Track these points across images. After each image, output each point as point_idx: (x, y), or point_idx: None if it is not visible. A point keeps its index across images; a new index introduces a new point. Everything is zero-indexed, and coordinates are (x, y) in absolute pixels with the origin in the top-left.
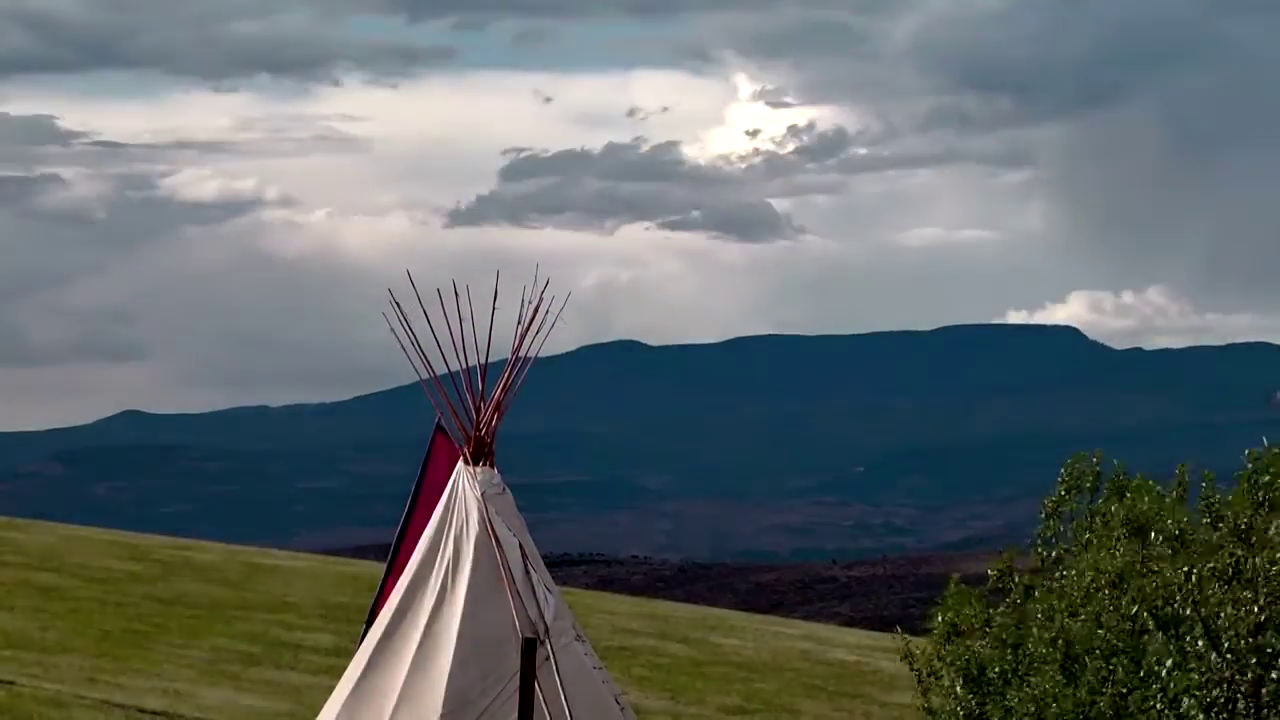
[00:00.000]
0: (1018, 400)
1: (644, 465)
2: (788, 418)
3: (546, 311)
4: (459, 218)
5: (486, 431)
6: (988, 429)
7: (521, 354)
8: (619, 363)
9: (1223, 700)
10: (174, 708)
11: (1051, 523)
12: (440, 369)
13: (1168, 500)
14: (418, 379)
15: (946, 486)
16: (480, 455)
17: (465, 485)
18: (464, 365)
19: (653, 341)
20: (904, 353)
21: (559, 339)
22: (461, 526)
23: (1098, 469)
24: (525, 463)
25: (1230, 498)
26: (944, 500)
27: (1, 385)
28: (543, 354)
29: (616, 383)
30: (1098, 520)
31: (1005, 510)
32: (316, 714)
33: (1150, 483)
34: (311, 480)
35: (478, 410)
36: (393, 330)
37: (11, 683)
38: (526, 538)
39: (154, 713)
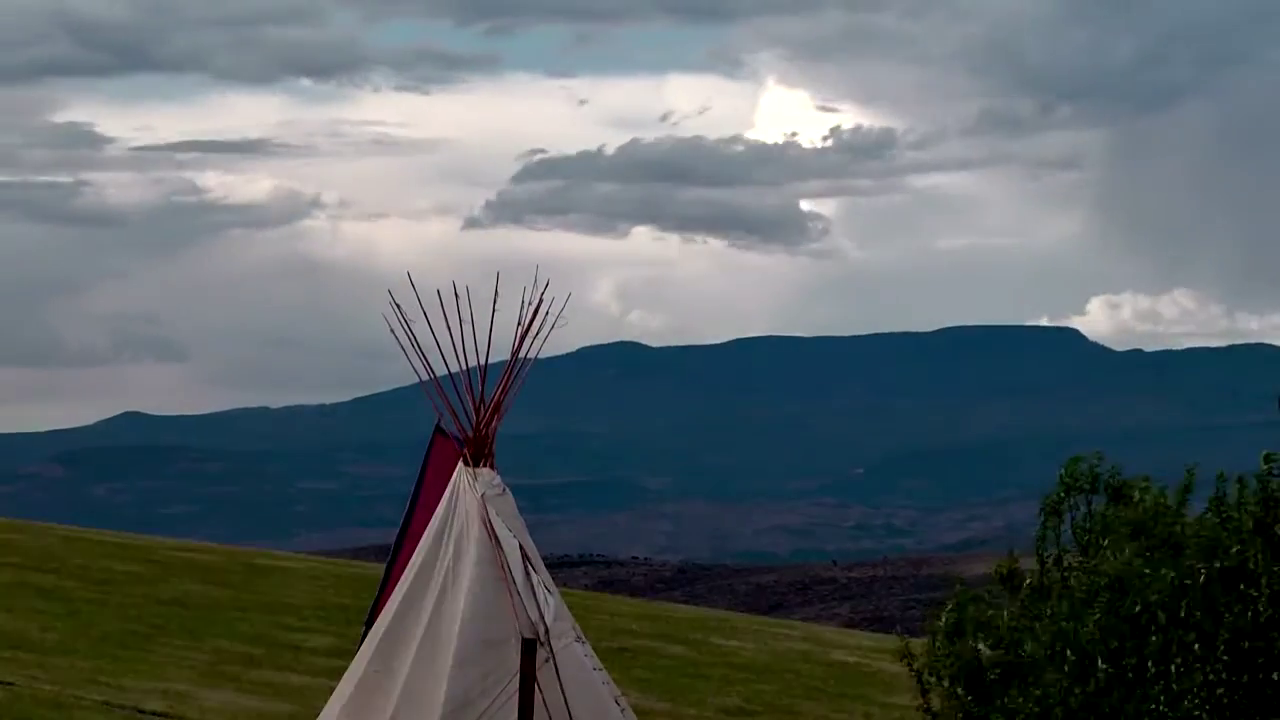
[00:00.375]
0: (1018, 402)
1: (644, 466)
2: (788, 419)
3: (546, 313)
4: (481, 221)
5: (486, 432)
6: (988, 430)
7: (521, 355)
8: (619, 364)
9: (1226, 701)
10: (174, 709)
11: (1051, 522)
12: (440, 370)
13: (1169, 504)
14: (418, 380)
15: (946, 488)
16: (480, 456)
17: (465, 486)
18: (464, 366)
19: (653, 343)
20: (904, 354)
21: (559, 340)
22: (462, 528)
23: (1096, 470)
24: (525, 464)
25: (1242, 497)
26: (944, 502)
27: (13, 386)
28: (543, 355)
29: (616, 384)
30: (1097, 521)
31: (1005, 512)
32: (317, 715)
33: (1153, 485)
34: (312, 481)
35: (477, 411)
36: (393, 332)
37: (11, 684)
38: (527, 538)
39: (154, 714)
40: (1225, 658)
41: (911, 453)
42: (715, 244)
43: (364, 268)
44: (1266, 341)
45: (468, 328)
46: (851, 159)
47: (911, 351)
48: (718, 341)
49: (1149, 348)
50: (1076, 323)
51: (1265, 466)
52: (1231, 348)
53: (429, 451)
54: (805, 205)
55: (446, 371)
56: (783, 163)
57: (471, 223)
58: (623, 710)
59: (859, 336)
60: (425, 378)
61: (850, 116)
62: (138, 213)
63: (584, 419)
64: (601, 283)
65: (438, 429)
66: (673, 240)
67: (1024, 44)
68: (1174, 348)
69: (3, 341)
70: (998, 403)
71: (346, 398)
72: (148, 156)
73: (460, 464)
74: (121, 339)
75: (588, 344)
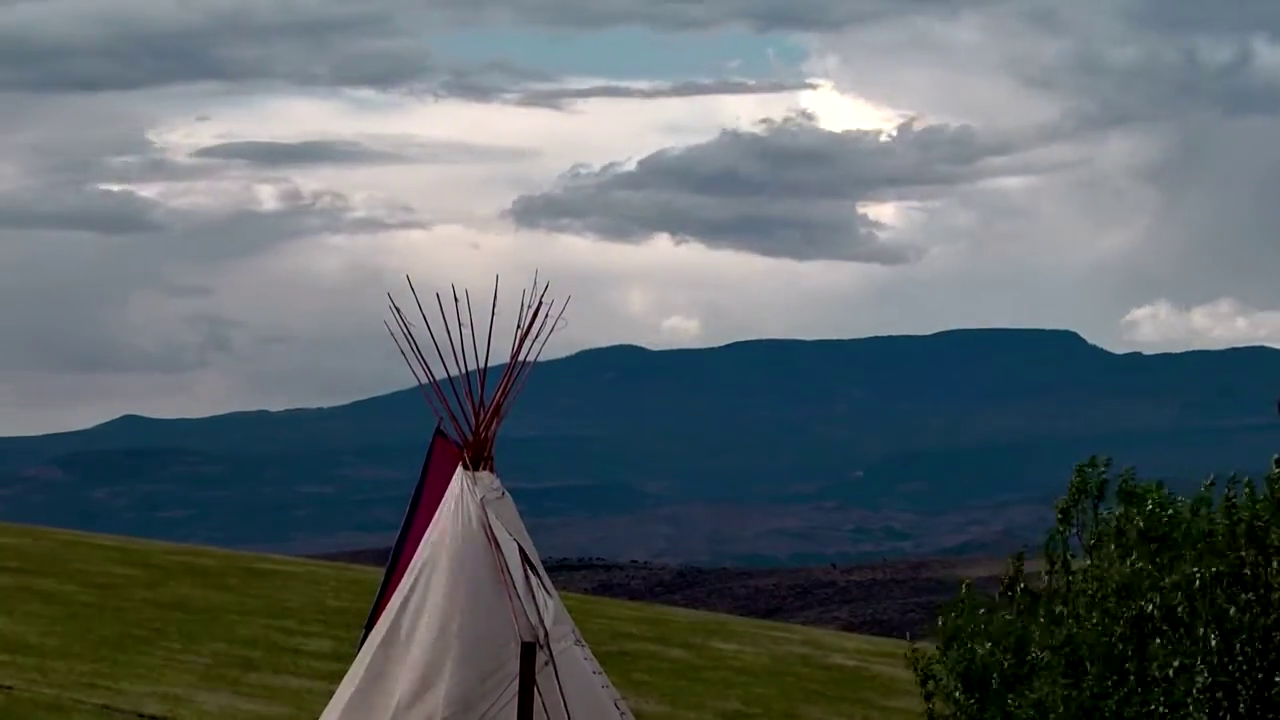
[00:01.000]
0: (1017, 405)
1: (643, 470)
2: (787, 422)
3: (545, 315)
4: (532, 227)
5: (486, 436)
6: (987, 434)
7: (521, 358)
8: (618, 367)
9: (1226, 704)
10: (173, 713)
11: (1061, 528)
12: (440, 374)
13: (1181, 509)
14: (417, 384)
15: (946, 491)
16: (480, 460)
17: (465, 490)
18: (463, 370)
19: (652, 346)
20: (904, 357)
21: (558, 343)
22: (461, 531)
23: (1104, 475)
24: (525, 467)
25: (1253, 499)
26: (943, 505)
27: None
28: (542, 358)
29: (616, 387)
30: (1106, 527)
31: (1004, 515)
32: (316, 719)
33: (1165, 491)
34: (311, 485)
35: (477, 415)
36: (393, 335)
37: (10, 688)
38: (526, 542)
39: (153, 717)
40: (1239, 658)
41: (911, 456)
42: (763, 248)
43: (413, 275)
44: (1264, 344)
45: (467, 331)
46: (914, 164)
47: (910, 355)
48: (717, 345)
49: (1149, 351)
50: (1121, 331)
51: (1276, 470)
52: (1230, 350)
53: (429, 455)
54: (861, 210)
55: (446, 375)
56: (838, 168)
57: (518, 229)
58: (622, 714)
59: (858, 340)
60: (425, 381)
61: (916, 121)
62: (194, 220)
63: (584, 422)
64: (635, 289)
65: (437, 432)
66: (718, 246)
67: (1099, 48)
68: (1173, 351)
69: (59, 346)
70: (997, 406)
71: (345, 401)
72: (206, 165)
73: (460, 467)
74: (174, 344)
75: (588, 347)
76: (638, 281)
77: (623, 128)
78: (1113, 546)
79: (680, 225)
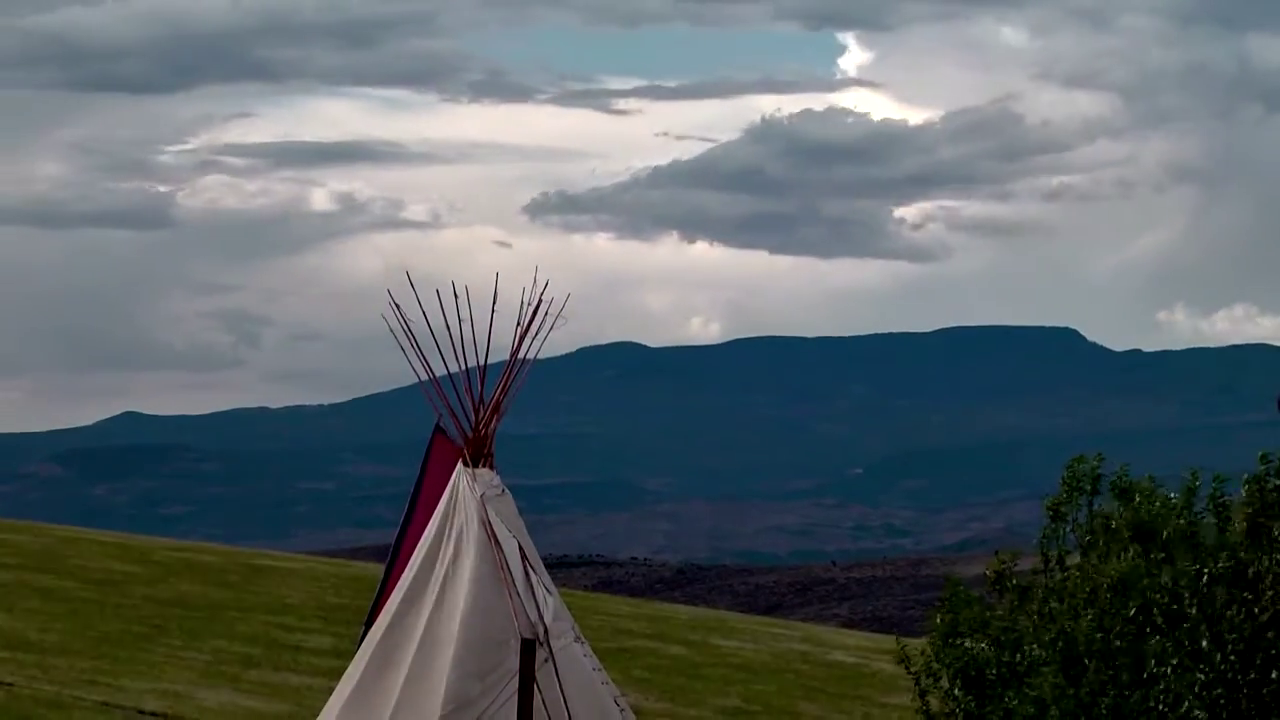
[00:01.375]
0: (1017, 402)
1: (643, 466)
2: (787, 419)
3: (545, 313)
4: (561, 230)
5: (486, 433)
6: (987, 431)
7: (520, 355)
8: (618, 364)
9: (1224, 701)
10: (173, 709)
11: (1053, 525)
12: (439, 370)
13: (1173, 504)
14: (417, 381)
15: (946, 488)
16: (479, 457)
17: (465, 487)
18: (463, 367)
19: (651, 343)
20: (904, 354)
21: (558, 340)
22: (461, 528)
23: (1098, 471)
24: (525, 464)
25: (1242, 495)
26: (943, 502)
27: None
28: (542, 355)
29: (615, 384)
30: (1099, 523)
31: (1004, 512)
32: (316, 716)
33: (1157, 488)
34: (311, 482)
35: (477, 412)
36: (392, 332)
37: (11, 684)
38: (526, 539)
39: (153, 714)
40: (1230, 658)
41: (911, 453)
42: (789, 247)
43: (441, 274)
44: (1265, 342)
45: (467, 328)
46: (949, 162)
47: (910, 352)
48: (717, 342)
49: (1149, 348)
50: (1155, 331)
51: (1262, 467)
52: (1230, 348)
53: (428, 452)
54: (891, 209)
55: (446, 372)
56: (872, 166)
57: (549, 229)
58: (622, 710)
59: (858, 337)
60: (425, 378)
61: (942, 121)
62: (227, 219)
63: (583, 419)
64: (667, 290)
65: (437, 429)
66: (748, 245)
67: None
68: (1173, 348)
69: (86, 345)
70: (997, 403)
71: (345, 398)
72: (245, 165)
73: (460, 464)
74: (203, 343)
75: (587, 344)
76: (670, 282)
77: (656, 126)
78: (1104, 542)
79: (708, 225)
